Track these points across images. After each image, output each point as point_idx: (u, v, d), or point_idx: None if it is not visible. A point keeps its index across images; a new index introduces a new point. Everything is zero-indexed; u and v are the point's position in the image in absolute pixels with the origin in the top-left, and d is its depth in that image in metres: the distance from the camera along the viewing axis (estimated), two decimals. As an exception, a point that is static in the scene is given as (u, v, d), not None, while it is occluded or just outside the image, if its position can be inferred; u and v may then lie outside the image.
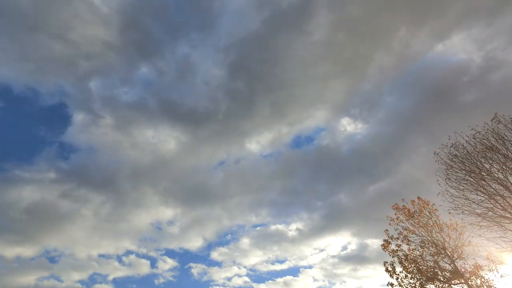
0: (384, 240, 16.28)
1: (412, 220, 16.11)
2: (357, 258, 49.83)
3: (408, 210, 16.48)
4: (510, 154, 12.70)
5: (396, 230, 16.24)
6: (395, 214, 16.70)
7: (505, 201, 12.91)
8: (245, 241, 55.20)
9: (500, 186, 12.97)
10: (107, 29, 54.50)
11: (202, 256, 53.28)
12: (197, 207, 57.73)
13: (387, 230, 16.49)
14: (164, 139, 60.01)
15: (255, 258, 52.09)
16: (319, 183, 59.26)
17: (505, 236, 13.25)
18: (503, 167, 12.81)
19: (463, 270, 14.57)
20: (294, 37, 56.94)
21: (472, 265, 14.51)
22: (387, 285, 15.06)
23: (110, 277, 45.87)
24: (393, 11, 50.90)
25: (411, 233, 15.86)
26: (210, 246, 54.28)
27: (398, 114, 52.06)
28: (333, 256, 51.81)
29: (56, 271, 44.98)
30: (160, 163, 57.43)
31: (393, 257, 15.68)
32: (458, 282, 14.47)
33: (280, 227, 55.94)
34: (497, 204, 13.09)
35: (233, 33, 61.96)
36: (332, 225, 53.06)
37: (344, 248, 53.06)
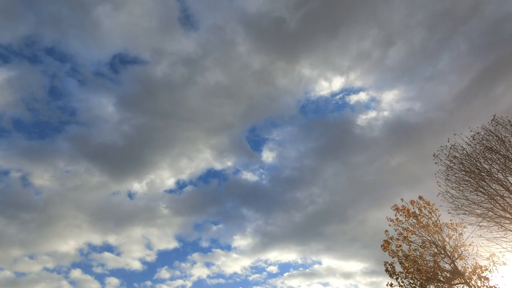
0: (384, 241, 16.30)
1: (412, 220, 16.15)
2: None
3: (408, 211, 16.51)
4: (509, 154, 12.76)
5: (396, 230, 16.28)
6: (395, 215, 16.73)
7: (505, 201, 12.96)
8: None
9: (500, 187, 13.02)
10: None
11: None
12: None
13: (387, 231, 16.52)
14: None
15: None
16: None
17: (505, 236, 13.31)
18: (503, 167, 12.86)
19: (463, 270, 14.61)
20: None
21: (472, 265, 14.54)
22: (387, 285, 15.09)
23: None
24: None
25: (411, 233, 15.89)
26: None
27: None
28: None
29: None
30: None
31: (393, 257, 15.70)
32: (458, 282, 14.50)
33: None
34: (497, 204, 13.14)
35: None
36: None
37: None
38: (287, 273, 52.16)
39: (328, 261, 51.36)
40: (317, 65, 63.52)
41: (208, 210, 58.54)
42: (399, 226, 16.28)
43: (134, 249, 51.95)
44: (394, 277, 15.07)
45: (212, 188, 61.11)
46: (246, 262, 52.05)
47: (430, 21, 55.20)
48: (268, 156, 65.79)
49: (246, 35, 59.26)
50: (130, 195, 58.10)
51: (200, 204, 58.42)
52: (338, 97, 65.38)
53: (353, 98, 63.87)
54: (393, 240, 16.09)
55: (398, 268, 15.42)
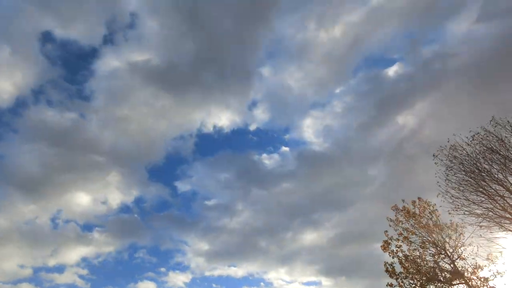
0: (384, 241, 16.30)
1: (412, 220, 16.14)
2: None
3: (408, 211, 16.50)
4: (509, 155, 12.74)
5: (396, 231, 16.27)
6: (395, 215, 16.73)
7: (505, 201, 12.93)
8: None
9: (500, 187, 12.99)
10: None
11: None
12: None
13: (386, 231, 16.52)
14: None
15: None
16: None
17: (505, 236, 13.30)
18: (503, 167, 12.84)
19: (463, 270, 14.60)
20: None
21: (472, 265, 14.54)
22: (387, 285, 15.08)
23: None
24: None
25: (411, 233, 15.88)
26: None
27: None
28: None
29: None
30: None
31: (393, 257, 15.69)
32: (459, 282, 14.50)
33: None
34: (497, 204, 13.11)
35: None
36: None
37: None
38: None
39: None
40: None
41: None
42: (398, 226, 16.27)
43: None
44: (394, 278, 15.07)
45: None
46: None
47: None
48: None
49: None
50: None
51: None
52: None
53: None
54: (392, 240, 16.08)
55: (398, 269, 15.44)
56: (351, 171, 54.11)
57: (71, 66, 60.82)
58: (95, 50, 57.81)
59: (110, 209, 54.13)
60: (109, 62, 58.12)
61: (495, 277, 13.99)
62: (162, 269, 51.04)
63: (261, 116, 64.35)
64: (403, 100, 51.82)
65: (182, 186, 59.90)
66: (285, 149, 64.29)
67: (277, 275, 49.43)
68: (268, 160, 61.89)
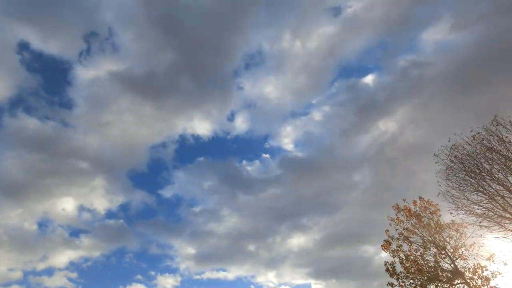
0: (385, 241, 16.33)
1: (413, 220, 16.16)
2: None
3: (409, 211, 16.51)
4: (510, 154, 12.74)
5: (396, 230, 16.30)
6: (396, 215, 16.75)
7: (505, 201, 12.93)
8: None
9: (500, 187, 12.99)
10: None
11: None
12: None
13: (387, 230, 16.54)
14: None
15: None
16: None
17: (505, 236, 13.28)
18: (503, 167, 12.84)
19: (464, 270, 14.61)
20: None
21: (473, 265, 14.55)
22: (388, 285, 15.12)
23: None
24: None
25: (412, 233, 15.90)
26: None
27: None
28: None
29: None
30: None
31: (393, 257, 15.72)
32: (459, 282, 14.51)
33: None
34: (497, 204, 13.11)
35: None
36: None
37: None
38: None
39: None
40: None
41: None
42: (399, 226, 16.30)
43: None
44: (395, 277, 15.11)
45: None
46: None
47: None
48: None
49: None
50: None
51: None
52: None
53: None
54: (393, 239, 16.11)
55: (399, 268, 15.46)
56: (336, 176, 55.04)
57: (50, 76, 61.20)
58: (73, 61, 58.09)
59: (96, 215, 54.40)
60: (88, 72, 58.52)
61: (496, 277, 13.98)
62: (152, 273, 51.39)
63: (240, 125, 64.84)
64: (382, 107, 52.90)
65: (166, 193, 60.17)
66: (265, 156, 64.50)
67: (266, 278, 49.83)
68: (249, 167, 62.42)
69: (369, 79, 59.20)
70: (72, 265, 48.42)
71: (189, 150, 63.92)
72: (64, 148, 54.89)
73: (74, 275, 47.52)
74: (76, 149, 55.17)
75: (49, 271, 47.06)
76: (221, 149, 66.40)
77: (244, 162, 63.35)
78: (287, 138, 64.32)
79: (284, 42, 61.78)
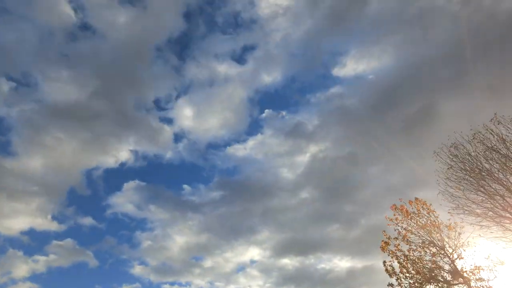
0: (382, 241, 16.17)
1: (410, 220, 16.05)
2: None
3: (406, 211, 16.41)
4: (510, 154, 12.71)
5: (395, 230, 16.16)
6: (394, 215, 16.62)
7: (505, 201, 12.90)
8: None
9: (500, 186, 12.96)
10: None
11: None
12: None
13: (384, 231, 16.40)
14: None
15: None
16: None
17: (505, 236, 13.25)
18: (503, 167, 12.80)
19: (463, 270, 14.53)
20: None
21: (472, 265, 14.48)
22: (387, 285, 14.95)
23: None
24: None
25: (409, 233, 15.78)
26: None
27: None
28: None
29: None
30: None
31: (392, 257, 15.56)
32: (458, 282, 14.42)
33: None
34: (497, 204, 13.08)
35: None
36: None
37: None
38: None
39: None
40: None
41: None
42: (398, 225, 16.16)
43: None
44: (394, 278, 14.94)
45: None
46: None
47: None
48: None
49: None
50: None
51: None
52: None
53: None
54: (391, 239, 15.95)
55: (397, 269, 15.31)
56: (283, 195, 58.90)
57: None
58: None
59: (46, 235, 55.66)
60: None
61: (495, 277, 13.93)
62: (114, 285, 53.26)
63: (173, 154, 66.21)
64: (310, 137, 59.49)
65: (110, 215, 60.27)
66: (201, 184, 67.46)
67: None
68: (192, 189, 64.62)
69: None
70: (34, 277, 48.24)
71: (121, 175, 64.79)
72: (3, 169, 54.19)
73: (35, 286, 47.56)
74: (17, 171, 54.81)
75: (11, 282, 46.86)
76: (155, 174, 68.07)
77: (185, 185, 64.72)
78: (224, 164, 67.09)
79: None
